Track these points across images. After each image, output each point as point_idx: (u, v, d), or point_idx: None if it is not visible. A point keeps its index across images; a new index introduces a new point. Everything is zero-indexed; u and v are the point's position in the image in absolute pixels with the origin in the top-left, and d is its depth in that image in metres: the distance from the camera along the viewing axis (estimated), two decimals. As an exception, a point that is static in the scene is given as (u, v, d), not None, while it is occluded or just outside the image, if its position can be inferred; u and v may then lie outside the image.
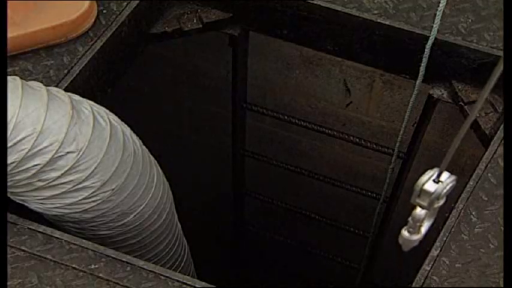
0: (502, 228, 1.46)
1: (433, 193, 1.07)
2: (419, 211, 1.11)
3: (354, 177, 2.68)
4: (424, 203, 1.09)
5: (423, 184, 1.07)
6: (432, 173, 1.07)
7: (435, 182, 1.06)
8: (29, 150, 1.30)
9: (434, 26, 1.69)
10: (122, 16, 1.75)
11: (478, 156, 1.61)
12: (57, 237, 1.43)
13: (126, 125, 1.50)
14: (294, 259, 3.18)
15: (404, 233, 1.16)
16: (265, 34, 1.95)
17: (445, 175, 1.07)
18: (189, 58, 2.50)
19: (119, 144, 1.42)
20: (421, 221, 1.13)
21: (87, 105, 1.42)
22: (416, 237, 1.16)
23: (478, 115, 1.72)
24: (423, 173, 1.08)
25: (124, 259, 1.41)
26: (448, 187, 1.07)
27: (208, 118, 2.76)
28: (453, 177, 1.07)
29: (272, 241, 3.04)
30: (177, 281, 1.39)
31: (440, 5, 1.66)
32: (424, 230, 1.15)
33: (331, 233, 2.83)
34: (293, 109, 2.51)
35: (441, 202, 1.09)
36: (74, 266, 1.40)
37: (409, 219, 1.13)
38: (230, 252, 3.29)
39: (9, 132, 1.28)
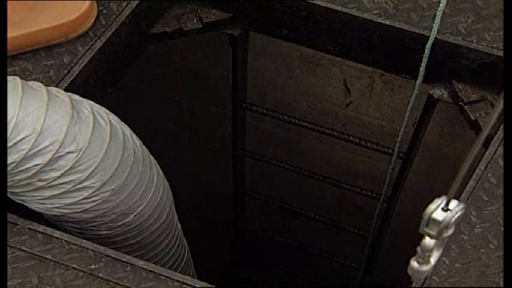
0: (502, 228, 1.46)
1: (441, 222, 1.04)
2: (428, 241, 1.08)
3: (354, 177, 2.68)
4: (433, 232, 1.06)
5: (431, 213, 1.04)
6: (440, 201, 1.04)
7: (444, 211, 1.03)
8: (29, 150, 1.30)
9: (434, 26, 1.69)
10: (121, 16, 1.75)
11: (478, 156, 1.61)
12: (57, 237, 1.43)
13: (126, 125, 1.50)
14: (294, 259, 3.18)
15: (414, 263, 1.12)
16: (265, 34, 1.95)
17: (453, 203, 1.04)
18: (189, 58, 2.50)
19: (119, 144, 1.42)
20: (430, 250, 1.10)
21: (87, 105, 1.42)
22: (426, 267, 1.13)
23: (478, 115, 1.72)
24: (431, 201, 1.05)
25: (124, 259, 1.41)
26: (457, 215, 1.04)
27: (208, 118, 2.76)
28: (462, 205, 1.04)
29: (272, 241, 3.04)
30: (177, 281, 1.39)
31: (440, 5, 1.66)
32: (433, 260, 1.12)
33: (331, 233, 2.83)
34: (293, 109, 2.51)
35: (450, 232, 1.06)
36: (74, 266, 1.40)
37: (418, 249, 1.10)
38: (230, 252, 3.29)
39: (9, 132, 1.28)
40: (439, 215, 1.03)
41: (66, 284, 1.38)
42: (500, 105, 0.95)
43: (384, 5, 1.78)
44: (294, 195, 2.83)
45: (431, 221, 1.04)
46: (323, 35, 1.84)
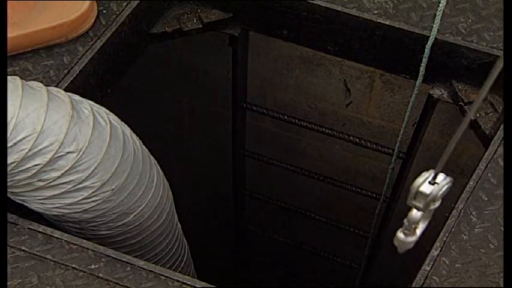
0: (502, 228, 1.46)
1: (428, 195, 1.07)
2: (414, 213, 1.11)
3: (354, 177, 2.68)
4: (420, 205, 1.09)
5: (419, 186, 1.07)
6: (428, 175, 1.07)
7: (431, 184, 1.06)
8: (29, 150, 1.30)
9: (434, 26, 1.69)
10: (121, 16, 1.75)
11: (478, 156, 1.61)
12: (57, 237, 1.43)
13: (126, 125, 1.50)
14: (294, 259, 3.18)
15: (400, 234, 1.17)
16: (265, 34, 1.94)
17: (440, 177, 1.06)
18: (189, 58, 2.50)
19: (119, 144, 1.42)
20: (416, 222, 1.13)
21: (87, 105, 1.42)
22: (412, 238, 1.16)
23: (478, 115, 1.72)
24: (419, 174, 1.08)
25: (124, 259, 1.41)
26: (444, 189, 1.07)
27: (208, 118, 2.76)
28: (449, 179, 1.07)
29: (272, 241, 3.04)
30: (177, 281, 1.39)
31: (440, 5, 1.66)
32: (419, 231, 1.15)
33: (331, 233, 2.83)
34: (293, 109, 2.51)
35: (437, 204, 1.09)
36: (74, 266, 1.40)
37: (405, 221, 1.13)
38: (230, 252, 3.29)
39: (9, 132, 1.28)
40: (426, 188, 1.06)
41: (66, 284, 1.38)
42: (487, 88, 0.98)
43: (384, 5, 1.78)
44: (294, 195, 2.83)
45: (419, 193, 1.07)
46: (323, 35, 1.84)
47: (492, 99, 1.73)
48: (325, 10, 1.78)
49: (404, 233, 1.16)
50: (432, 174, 1.06)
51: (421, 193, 1.07)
